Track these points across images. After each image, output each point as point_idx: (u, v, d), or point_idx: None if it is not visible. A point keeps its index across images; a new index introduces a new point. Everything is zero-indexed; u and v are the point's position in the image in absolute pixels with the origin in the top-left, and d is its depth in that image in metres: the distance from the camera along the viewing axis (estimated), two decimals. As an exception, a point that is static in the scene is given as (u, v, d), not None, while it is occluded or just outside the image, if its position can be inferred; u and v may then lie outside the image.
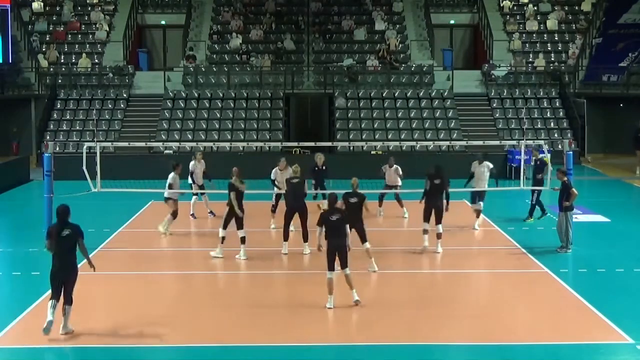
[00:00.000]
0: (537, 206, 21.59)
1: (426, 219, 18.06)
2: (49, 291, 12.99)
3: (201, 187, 21.93)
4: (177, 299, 14.79)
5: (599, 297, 14.59)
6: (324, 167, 21.45)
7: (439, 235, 17.97)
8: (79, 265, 13.11)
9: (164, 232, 19.82)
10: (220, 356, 12.04)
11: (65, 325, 12.77)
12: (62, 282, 12.74)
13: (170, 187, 19.64)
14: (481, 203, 20.70)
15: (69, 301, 12.74)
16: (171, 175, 19.71)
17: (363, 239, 16.14)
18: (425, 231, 18.06)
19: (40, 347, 12.36)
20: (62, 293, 12.71)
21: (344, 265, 14.00)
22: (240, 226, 17.35)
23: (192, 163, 21.93)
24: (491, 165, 20.63)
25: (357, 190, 16.33)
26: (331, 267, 13.89)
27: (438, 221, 17.99)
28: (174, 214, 19.84)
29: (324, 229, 13.98)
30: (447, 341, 12.57)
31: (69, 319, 12.78)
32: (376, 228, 21.17)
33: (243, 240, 17.38)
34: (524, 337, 12.73)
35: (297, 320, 13.68)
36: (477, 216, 20.75)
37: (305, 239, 17.86)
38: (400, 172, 21.90)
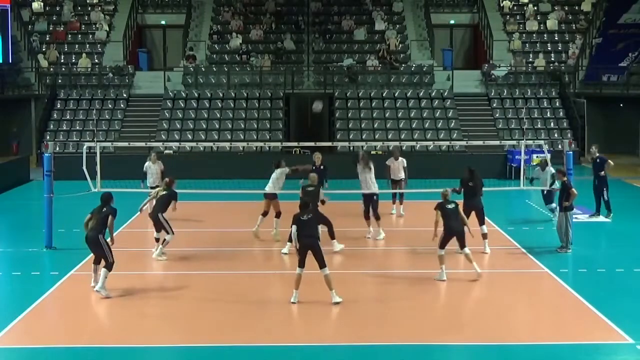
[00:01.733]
0: (602, 204, 22.04)
1: (463, 222, 17.98)
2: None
3: (154, 187, 21.58)
4: (176, 299, 14.77)
5: (599, 297, 14.59)
6: (322, 167, 21.44)
7: (484, 236, 17.98)
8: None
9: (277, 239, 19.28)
10: (220, 356, 12.05)
11: (99, 283, 14.61)
12: (91, 251, 15.06)
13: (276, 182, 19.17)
14: (553, 204, 21.09)
15: (97, 261, 14.94)
16: (278, 170, 19.18)
17: (462, 246, 15.89)
18: None
19: (40, 347, 12.36)
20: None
21: (321, 265, 14.17)
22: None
23: (146, 164, 21.96)
24: (553, 171, 20.60)
25: (450, 199, 16.16)
26: (301, 265, 14.18)
27: (481, 222, 18.07)
28: (278, 214, 19.30)
29: (295, 228, 14.25)
30: (447, 341, 12.57)
31: (104, 280, 14.56)
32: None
33: (161, 241, 17.80)
34: (524, 337, 12.73)
35: (297, 320, 13.69)
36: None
37: (332, 237, 17.97)
38: (405, 165, 21.96)
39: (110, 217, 14.79)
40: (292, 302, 14.19)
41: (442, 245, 15.79)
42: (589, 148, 23.06)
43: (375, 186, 19.10)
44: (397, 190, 22.16)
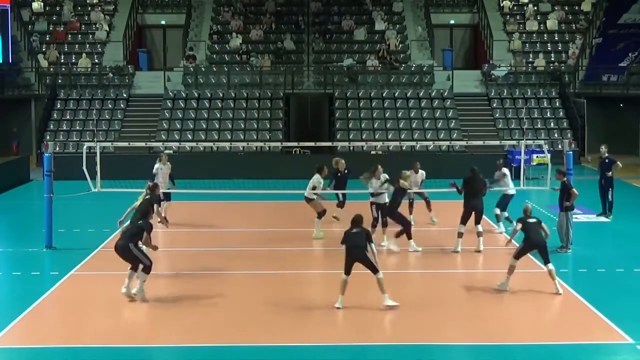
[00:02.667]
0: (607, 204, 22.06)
1: (464, 221, 18.13)
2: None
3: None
4: (176, 299, 14.76)
5: (599, 297, 14.60)
6: (346, 171, 21.31)
7: (479, 234, 18.11)
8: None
9: (319, 237, 19.51)
10: (220, 356, 12.05)
11: (137, 286, 14.34)
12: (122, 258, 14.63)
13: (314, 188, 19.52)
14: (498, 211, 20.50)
15: (134, 268, 14.48)
16: (316, 176, 19.48)
17: (546, 260, 15.36)
18: (460, 234, 18.10)
19: (40, 347, 12.36)
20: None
21: (374, 271, 14.05)
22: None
23: (156, 165, 21.30)
24: (506, 172, 20.18)
25: (531, 215, 15.90)
26: (346, 272, 14.10)
27: (477, 222, 18.19)
28: (321, 214, 19.64)
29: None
30: (447, 341, 12.57)
31: (143, 283, 14.36)
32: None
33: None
34: (524, 337, 12.73)
35: (298, 321, 13.68)
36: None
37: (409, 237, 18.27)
38: (424, 177, 21.13)
39: (145, 234, 14.45)
40: (337, 307, 13.99)
41: (518, 255, 15.37)
42: (599, 148, 23.00)
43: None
44: (417, 190, 21.50)
